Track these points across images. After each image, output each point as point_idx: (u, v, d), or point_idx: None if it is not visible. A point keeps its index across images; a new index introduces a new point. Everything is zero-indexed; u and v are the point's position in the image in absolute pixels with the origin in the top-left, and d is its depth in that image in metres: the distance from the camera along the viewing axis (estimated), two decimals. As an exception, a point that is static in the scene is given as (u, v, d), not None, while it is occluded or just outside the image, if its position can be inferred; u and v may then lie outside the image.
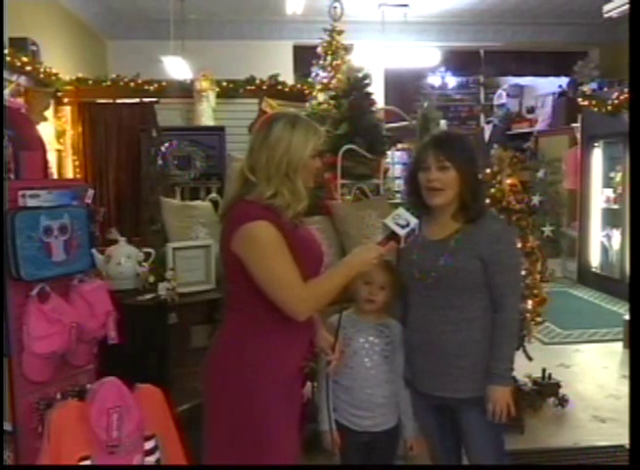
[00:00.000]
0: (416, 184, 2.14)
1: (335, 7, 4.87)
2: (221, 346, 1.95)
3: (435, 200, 2.09)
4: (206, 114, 5.53)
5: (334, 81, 4.64)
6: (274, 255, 1.81)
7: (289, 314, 1.83)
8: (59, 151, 5.24)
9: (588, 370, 4.73)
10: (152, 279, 3.16)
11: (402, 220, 1.97)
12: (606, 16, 5.31)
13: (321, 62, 4.88)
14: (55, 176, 4.55)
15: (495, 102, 10.69)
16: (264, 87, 5.65)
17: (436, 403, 2.19)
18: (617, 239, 6.98)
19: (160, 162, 4.27)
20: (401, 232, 1.98)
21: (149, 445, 2.20)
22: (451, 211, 2.12)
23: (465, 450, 2.25)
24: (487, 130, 10.33)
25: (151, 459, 2.20)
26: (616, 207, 7.06)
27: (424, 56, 7.90)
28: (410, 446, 2.35)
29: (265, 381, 1.87)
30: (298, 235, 1.91)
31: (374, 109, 4.14)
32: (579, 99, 7.35)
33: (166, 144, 4.53)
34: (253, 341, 1.88)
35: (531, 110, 10.08)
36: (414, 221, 1.99)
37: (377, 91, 5.71)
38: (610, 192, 7.22)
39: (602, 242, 7.40)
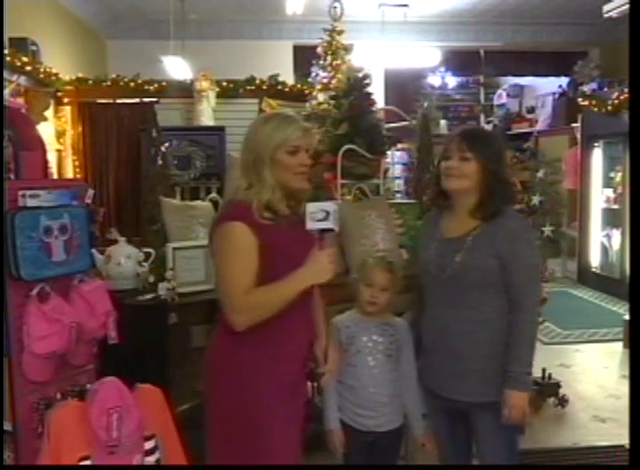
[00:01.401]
0: (439, 176, 2.13)
1: (335, 7, 4.87)
2: (217, 346, 1.96)
3: (450, 183, 2.08)
4: (207, 114, 5.53)
5: (334, 81, 4.64)
6: (232, 259, 1.81)
7: (229, 323, 1.82)
8: (59, 151, 5.24)
9: (588, 370, 4.73)
10: (152, 279, 3.15)
11: (320, 214, 1.80)
12: (606, 16, 5.32)
13: (321, 62, 4.87)
14: (55, 176, 4.54)
15: (495, 102, 10.69)
16: (264, 87, 5.64)
17: (449, 406, 2.14)
18: (617, 239, 6.97)
19: (159, 162, 4.26)
20: (327, 225, 1.80)
21: (149, 445, 2.19)
22: (469, 207, 2.09)
23: (476, 454, 2.22)
24: (487, 130, 10.33)
25: (151, 459, 2.20)
26: (616, 207, 7.06)
27: (424, 56, 7.90)
28: (422, 443, 2.33)
29: (262, 381, 1.87)
30: (279, 235, 1.85)
31: (374, 109, 4.13)
32: (579, 99, 7.35)
33: (166, 144, 4.53)
34: (247, 341, 1.86)
35: (531, 110, 10.07)
36: (331, 207, 1.81)
37: (377, 91, 5.72)
38: (610, 192, 7.21)
39: (602, 242, 7.39)
